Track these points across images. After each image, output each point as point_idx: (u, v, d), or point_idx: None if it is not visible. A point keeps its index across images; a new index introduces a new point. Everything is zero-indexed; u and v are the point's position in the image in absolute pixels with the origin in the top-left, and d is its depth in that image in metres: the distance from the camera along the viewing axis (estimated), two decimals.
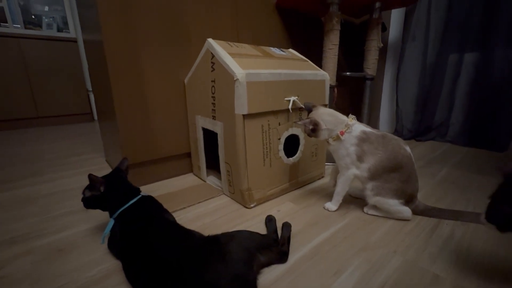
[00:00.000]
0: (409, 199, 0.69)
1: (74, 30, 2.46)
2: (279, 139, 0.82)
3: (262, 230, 0.66)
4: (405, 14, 1.60)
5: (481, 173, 1.04)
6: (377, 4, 1.33)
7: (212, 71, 0.79)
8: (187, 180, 1.01)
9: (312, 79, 0.87)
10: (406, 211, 0.69)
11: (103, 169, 1.15)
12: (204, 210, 0.77)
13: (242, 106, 0.69)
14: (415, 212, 0.71)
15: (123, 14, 0.79)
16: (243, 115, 0.71)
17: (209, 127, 0.87)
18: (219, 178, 0.96)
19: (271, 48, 0.96)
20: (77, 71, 2.41)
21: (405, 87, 1.68)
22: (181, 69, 0.95)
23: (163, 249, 0.47)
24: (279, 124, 0.80)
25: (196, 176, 1.04)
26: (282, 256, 0.54)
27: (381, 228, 0.67)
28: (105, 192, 0.59)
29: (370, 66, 1.45)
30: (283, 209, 0.77)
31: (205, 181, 0.98)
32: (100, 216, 0.74)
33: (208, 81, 0.82)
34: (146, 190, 0.91)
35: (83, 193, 0.61)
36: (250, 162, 0.75)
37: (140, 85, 0.87)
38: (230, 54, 0.74)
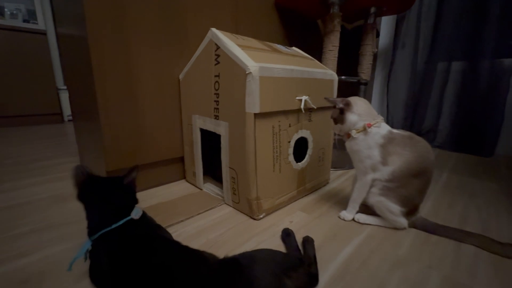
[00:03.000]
0: (411, 211, 0.64)
1: (43, 21, 2.22)
2: (289, 142, 0.74)
3: (277, 245, 0.58)
4: (396, 22, 1.63)
5: (479, 178, 1.04)
6: (372, 10, 1.33)
7: (216, 64, 0.70)
8: (180, 188, 0.90)
9: (322, 78, 0.81)
10: (403, 222, 0.64)
11: None
12: (205, 223, 0.67)
13: (253, 103, 0.61)
14: (413, 226, 0.65)
15: (111, 4, 0.68)
16: (255, 114, 0.62)
17: (210, 128, 0.77)
18: (217, 185, 0.86)
19: (276, 44, 0.90)
20: (45, 66, 2.16)
21: (396, 93, 1.70)
22: (176, 64, 0.85)
23: (173, 280, 0.37)
24: (290, 126, 0.73)
25: (190, 183, 0.93)
26: (311, 279, 0.46)
27: (405, 239, 0.61)
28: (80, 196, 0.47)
29: (365, 71, 1.44)
30: (295, 219, 0.69)
31: (201, 189, 0.88)
32: (77, 233, 0.61)
33: (210, 76, 0.73)
34: None
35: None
36: (260, 168, 0.67)
37: (129, 81, 0.75)
38: (238, 46, 0.66)
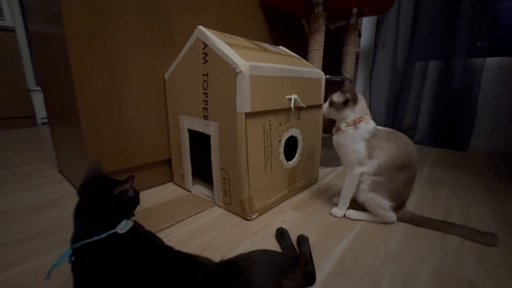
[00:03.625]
0: (399, 206, 0.66)
1: (11, 18, 2.08)
2: (280, 141, 0.74)
3: (272, 245, 0.57)
4: (376, 23, 1.68)
5: (457, 171, 1.10)
6: (354, 10, 1.36)
7: (204, 63, 0.68)
8: (169, 190, 0.87)
9: (310, 76, 0.82)
10: (392, 216, 0.66)
11: (57, 182, 0.93)
12: (197, 226, 0.65)
13: (244, 103, 0.60)
14: (401, 220, 0.67)
15: (91, 0, 0.65)
16: (246, 114, 0.61)
17: (199, 128, 0.75)
18: (207, 187, 0.85)
19: (263, 43, 0.89)
20: (14, 66, 2.02)
21: (377, 92, 1.76)
22: (161, 62, 0.82)
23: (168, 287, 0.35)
24: (280, 125, 0.73)
25: (178, 185, 0.91)
26: (309, 278, 0.46)
27: (395, 233, 0.63)
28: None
29: (348, 70, 1.47)
30: (288, 218, 0.69)
31: (190, 191, 0.85)
32: (58, 243, 0.57)
33: (197, 75, 0.71)
34: None
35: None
36: (252, 168, 0.66)
37: (111, 81, 0.72)
38: (227, 44, 0.65)
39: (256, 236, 0.61)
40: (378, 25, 1.68)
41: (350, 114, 0.66)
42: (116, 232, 0.42)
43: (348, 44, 1.43)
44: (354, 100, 0.65)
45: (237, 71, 0.59)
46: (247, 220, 0.68)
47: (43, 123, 2.29)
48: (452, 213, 0.73)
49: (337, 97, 0.67)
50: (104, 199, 0.44)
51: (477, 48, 1.37)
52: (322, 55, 1.19)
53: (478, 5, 1.33)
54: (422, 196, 0.84)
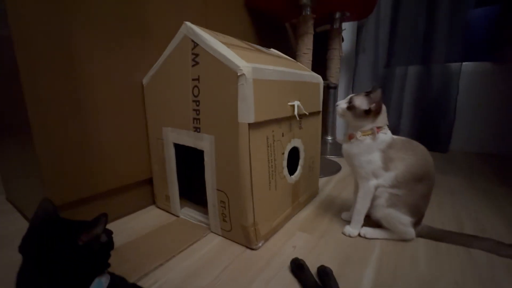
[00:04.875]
0: (419, 220, 0.60)
1: None
2: (283, 153, 0.65)
3: (289, 282, 0.47)
4: (357, 28, 1.69)
5: (446, 174, 1.10)
6: (337, 15, 1.34)
7: (194, 65, 0.57)
8: (151, 216, 0.73)
9: (310, 81, 0.75)
10: (412, 233, 0.60)
11: (5, 214, 0.75)
12: (193, 263, 0.53)
13: (247, 111, 0.51)
14: (419, 235, 0.62)
15: None
16: (249, 124, 0.52)
17: (188, 142, 0.63)
18: (198, 209, 0.73)
19: (255, 45, 0.81)
20: None
21: None
22: (137, 65, 0.69)
23: None
24: (283, 135, 0.64)
25: (162, 209, 0.77)
26: None
27: (418, 251, 0.57)
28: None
29: (334, 75, 1.45)
30: (298, 243, 0.60)
31: (178, 216, 0.73)
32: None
33: (186, 80, 0.60)
34: None
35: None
36: (256, 187, 0.56)
37: (74, 88, 0.57)
38: (222, 43, 0.55)
39: (267, 271, 0.51)
40: (359, 30, 1.69)
41: (369, 124, 0.59)
42: None
43: (332, 48, 1.41)
44: (377, 112, 0.58)
45: (238, 74, 0.49)
46: (252, 249, 0.58)
47: None
48: (464, 222, 0.70)
49: (360, 102, 0.59)
50: (63, 255, 0.31)
51: (453, 54, 1.42)
52: (311, 58, 1.14)
53: (452, 12, 1.39)
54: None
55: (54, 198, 0.56)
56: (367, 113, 0.58)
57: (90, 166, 0.62)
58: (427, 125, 1.57)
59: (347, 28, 1.75)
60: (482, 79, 1.44)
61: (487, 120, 1.47)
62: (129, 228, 0.67)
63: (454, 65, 1.43)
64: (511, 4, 1.34)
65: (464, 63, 1.42)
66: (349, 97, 0.61)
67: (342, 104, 0.62)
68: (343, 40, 1.71)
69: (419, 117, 1.60)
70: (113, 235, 0.41)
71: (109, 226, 0.67)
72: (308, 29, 1.10)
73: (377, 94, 0.57)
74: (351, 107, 0.59)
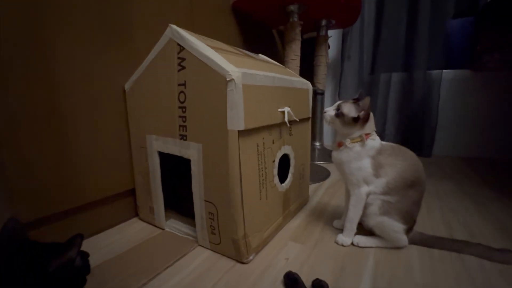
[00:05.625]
0: (411, 227, 0.60)
1: None
2: (274, 161, 0.63)
3: None
4: (342, 35, 1.72)
5: (433, 178, 1.12)
6: (324, 22, 1.36)
7: (180, 70, 0.55)
8: (134, 230, 0.69)
9: (300, 87, 0.74)
10: (405, 240, 0.59)
11: None
12: (181, 280, 0.50)
13: (237, 118, 0.48)
14: (412, 242, 0.61)
15: None
16: (239, 132, 0.49)
17: (173, 151, 0.60)
18: (184, 221, 0.69)
19: (243, 50, 0.79)
20: None
21: None
22: (118, 70, 0.65)
23: None
24: (273, 142, 0.62)
25: (146, 221, 0.73)
26: None
27: (412, 259, 0.56)
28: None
29: (321, 81, 1.46)
30: (291, 254, 0.58)
31: (163, 229, 0.68)
32: None
33: (171, 85, 0.57)
34: None
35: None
36: (246, 198, 0.53)
37: (48, 94, 0.53)
38: (210, 47, 0.53)
39: (260, 286, 0.48)
40: (344, 38, 1.72)
41: (357, 131, 0.58)
42: None
43: (319, 55, 1.42)
44: (365, 120, 0.58)
45: (227, 79, 0.47)
46: (243, 263, 0.55)
47: None
48: (453, 227, 0.70)
49: (348, 109, 0.58)
50: (32, 285, 0.27)
51: (434, 61, 1.47)
52: (299, 65, 1.14)
53: (431, 21, 1.45)
54: None
55: (24, 213, 0.51)
56: (356, 120, 0.57)
57: (66, 177, 0.57)
58: (411, 130, 1.61)
59: (333, 36, 1.78)
60: (462, 86, 1.50)
61: (467, 125, 1.53)
62: (109, 244, 0.62)
63: (435, 73, 1.48)
64: (484, 16, 1.41)
65: (444, 70, 1.47)
66: (336, 104, 0.61)
67: (330, 111, 0.61)
68: (329, 47, 1.73)
69: (403, 123, 1.64)
70: (90, 256, 0.37)
71: (87, 242, 0.62)
72: (295, 35, 1.10)
73: (366, 101, 0.56)
74: (339, 114, 0.58)
